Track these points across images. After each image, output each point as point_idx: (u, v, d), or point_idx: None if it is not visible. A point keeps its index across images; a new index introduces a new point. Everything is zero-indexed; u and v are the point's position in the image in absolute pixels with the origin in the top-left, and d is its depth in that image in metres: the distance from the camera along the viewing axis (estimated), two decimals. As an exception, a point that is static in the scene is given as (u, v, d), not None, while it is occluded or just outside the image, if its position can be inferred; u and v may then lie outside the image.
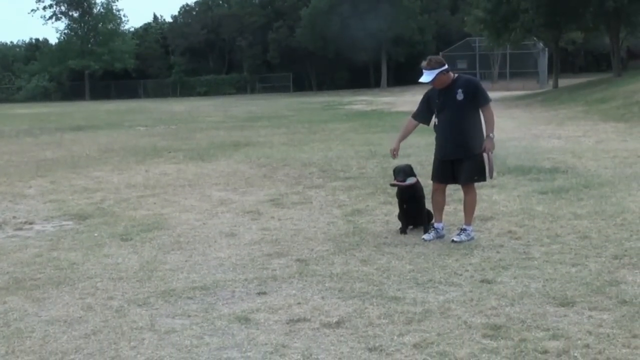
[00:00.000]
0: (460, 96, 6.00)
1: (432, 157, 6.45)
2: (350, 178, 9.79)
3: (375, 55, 58.96)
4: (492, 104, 6.17)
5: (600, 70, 50.80)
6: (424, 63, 6.07)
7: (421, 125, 6.54)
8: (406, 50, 55.65)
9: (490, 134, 6.01)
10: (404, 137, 6.56)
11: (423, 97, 6.41)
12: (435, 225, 6.35)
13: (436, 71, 6.01)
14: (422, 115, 6.40)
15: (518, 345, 3.80)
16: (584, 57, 61.14)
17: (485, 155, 6.03)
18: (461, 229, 6.22)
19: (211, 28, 64.78)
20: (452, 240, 6.08)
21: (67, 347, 4.03)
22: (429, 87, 6.29)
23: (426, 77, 6.04)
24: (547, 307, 4.37)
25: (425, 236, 6.26)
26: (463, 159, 6.07)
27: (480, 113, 6.10)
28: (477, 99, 6.04)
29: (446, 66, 6.08)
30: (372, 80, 60.56)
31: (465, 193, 6.27)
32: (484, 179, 6.26)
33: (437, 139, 6.27)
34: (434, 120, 6.28)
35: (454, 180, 6.26)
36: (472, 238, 6.11)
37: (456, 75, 6.17)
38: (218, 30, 64.61)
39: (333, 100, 38.43)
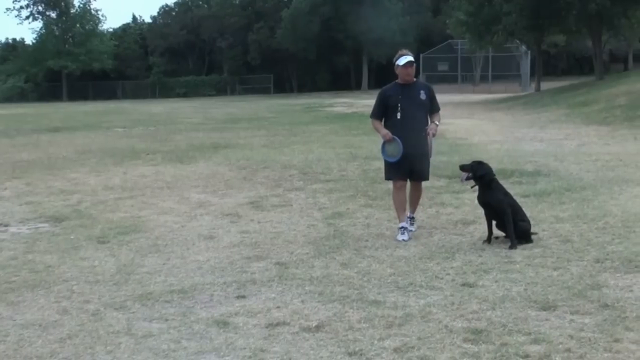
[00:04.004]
0: (423, 96, 6.49)
1: None
2: (331, 181, 9.75)
3: (357, 57, 59.10)
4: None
5: (583, 73, 51.35)
6: (403, 50, 6.59)
7: None
8: (387, 52, 55.60)
9: (436, 122, 6.53)
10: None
11: (379, 96, 6.65)
12: (403, 225, 6.41)
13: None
14: (381, 113, 6.62)
15: (499, 349, 3.78)
16: (566, 60, 61.82)
17: (429, 137, 6.43)
18: (411, 218, 6.62)
19: (191, 29, 64.51)
20: (410, 231, 6.40)
21: (42, 351, 3.96)
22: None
23: (411, 57, 6.48)
24: (529, 311, 4.35)
25: (399, 237, 6.30)
26: (421, 154, 6.43)
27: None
28: (434, 105, 6.59)
29: None
30: (353, 82, 60.67)
31: (416, 189, 6.73)
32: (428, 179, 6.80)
33: (394, 133, 6.39)
34: (397, 115, 6.43)
35: (409, 175, 6.56)
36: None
37: (414, 78, 6.61)
38: (198, 31, 64.36)
39: (314, 102, 38.41)
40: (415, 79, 6.58)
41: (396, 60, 6.46)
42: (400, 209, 6.49)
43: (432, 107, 6.56)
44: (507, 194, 6.26)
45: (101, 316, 4.51)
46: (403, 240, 6.23)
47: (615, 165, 10.23)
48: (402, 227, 6.38)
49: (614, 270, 5.12)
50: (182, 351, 3.91)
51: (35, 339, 4.14)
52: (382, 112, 6.59)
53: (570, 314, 4.27)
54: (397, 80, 6.57)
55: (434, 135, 6.44)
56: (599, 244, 5.83)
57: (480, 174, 6.20)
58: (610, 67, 52.03)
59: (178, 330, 4.23)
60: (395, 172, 6.53)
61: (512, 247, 5.83)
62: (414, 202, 6.74)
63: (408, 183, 6.68)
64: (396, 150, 6.37)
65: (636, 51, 56.96)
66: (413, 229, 6.52)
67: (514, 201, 6.27)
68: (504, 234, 6.08)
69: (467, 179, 6.30)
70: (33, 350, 3.97)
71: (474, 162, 6.44)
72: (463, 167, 6.38)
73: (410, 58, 6.44)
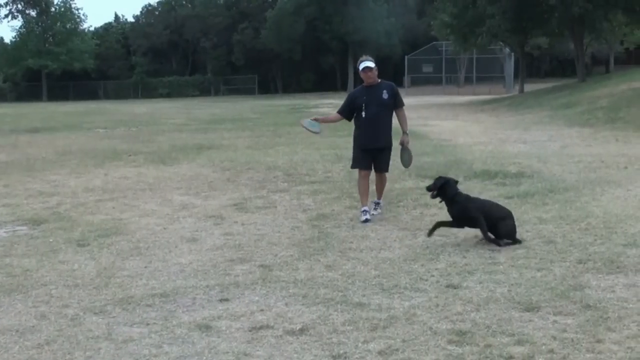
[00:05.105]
0: (385, 96, 7.24)
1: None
2: (316, 182, 9.72)
3: (342, 58, 59.15)
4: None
5: (565, 75, 51.86)
6: (363, 57, 7.31)
7: None
8: (372, 53, 55.22)
9: (407, 131, 7.42)
10: (324, 120, 7.90)
11: (348, 97, 7.60)
12: (365, 208, 7.21)
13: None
14: (346, 112, 7.44)
15: (483, 351, 3.77)
16: (549, 62, 62.38)
17: (406, 147, 7.44)
18: (376, 203, 7.45)
19: (174, 28, 64.27)
20: (371, 215, 7.13)
21: (19, 357, 3.88)
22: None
23: (372, 62, 7.19)
24: (513, 312, 4.35)
25: (362, 217, 7.07)
26: (383, 148, 7.31)
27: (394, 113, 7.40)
28: (397, 101, 7.34)
29: None
30: (339, 83, 60.71)
31: (381, 179, 7.51)
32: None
33: (361, 130, 7.32)
34: (362, 115, 7.24)
35: (372, 167, 7.40)
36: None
37: (379, 80, 7.32)
38: (181, 31, 64.13)
39: (299, 103, 38.38)
40: (379, 80, 7.30)
41: (358, 66, 7.25)
42: (363, 195, 7.29)
43: (396, 103, 7.35)
44: (470, 199, 6.25)
45: (80, 321, 4.43)
46: (366, 220, 7.01)
47: (597, 166, 10.29)
48: (364, 210, 7.17)
49: (596, 271, 5.13)
50: (163, 356, 3.86)
51: (12, 345, 4.06)
52: (347, 111, 7.42)
53: (553, 314, 4.28)
54: (363, 84, 7.37)
55: (407, 143, 7.45)
56: (582, 245, 5.85)
57: (439, 184, 6.27)
58: (592, 70, 52.53)
59: (159, 334, 4.17)
60: (360, 163, 7.40)
61: (497, 244, 5.82)
62: (380, 190, 7.54)
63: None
64: (315, 127, 7.54)
65: (617, 54, 57.65)
66: (376, 213, 7.29)
67: (481, 203, 6.25)
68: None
69: (433, 197, 6.40)
70: (10, 357, 3.90)
71: (436, 178, 6.52)
72: (428, 188, 6.47)
73: (368, 64, 7.14)
